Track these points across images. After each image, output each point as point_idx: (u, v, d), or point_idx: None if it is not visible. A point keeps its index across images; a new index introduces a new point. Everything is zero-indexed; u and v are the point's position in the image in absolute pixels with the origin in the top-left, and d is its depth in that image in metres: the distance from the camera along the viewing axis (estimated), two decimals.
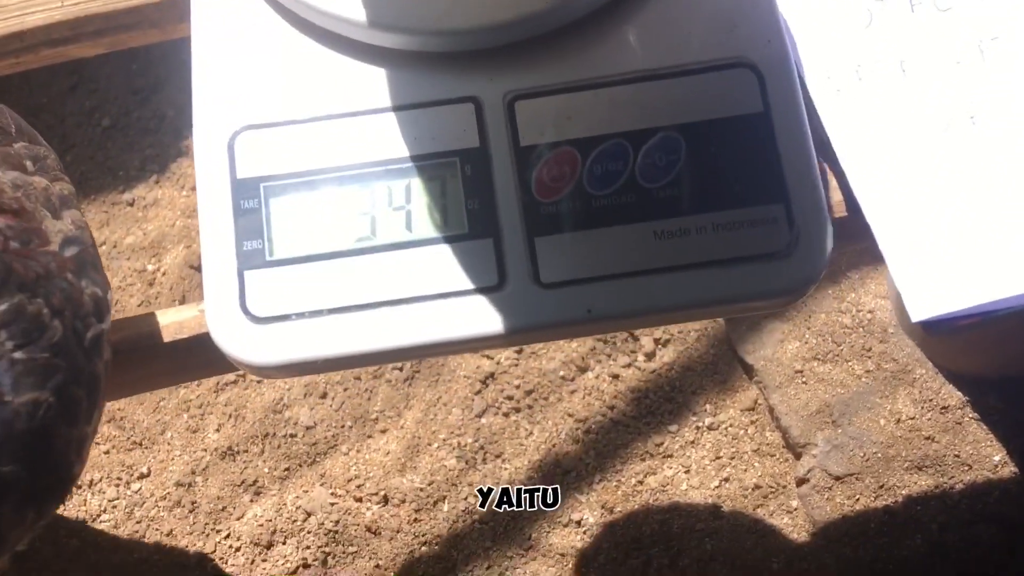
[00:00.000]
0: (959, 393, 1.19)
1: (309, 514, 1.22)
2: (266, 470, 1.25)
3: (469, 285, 0.54)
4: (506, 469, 1.23)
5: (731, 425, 1.24)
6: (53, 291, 0.46)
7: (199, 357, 0.59)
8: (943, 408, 1.19)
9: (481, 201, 0.55)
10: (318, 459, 1.25)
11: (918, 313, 0.54)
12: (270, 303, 0.54)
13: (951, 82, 0.59)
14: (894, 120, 0.59)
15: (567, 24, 0.56)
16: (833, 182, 0.60)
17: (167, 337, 0.58)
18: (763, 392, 1.23)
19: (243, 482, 1.24)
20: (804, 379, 1.21)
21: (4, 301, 0.43)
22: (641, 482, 1.22)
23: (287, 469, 1.25)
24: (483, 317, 0.54)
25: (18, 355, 0.43)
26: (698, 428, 1.24)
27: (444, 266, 0.54)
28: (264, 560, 1.21)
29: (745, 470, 1.21)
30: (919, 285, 0.55)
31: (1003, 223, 0.57)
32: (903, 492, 1.16)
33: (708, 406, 1.25)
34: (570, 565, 1.18)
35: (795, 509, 1.19)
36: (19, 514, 0.45)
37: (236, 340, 0.53)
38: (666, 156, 0.55)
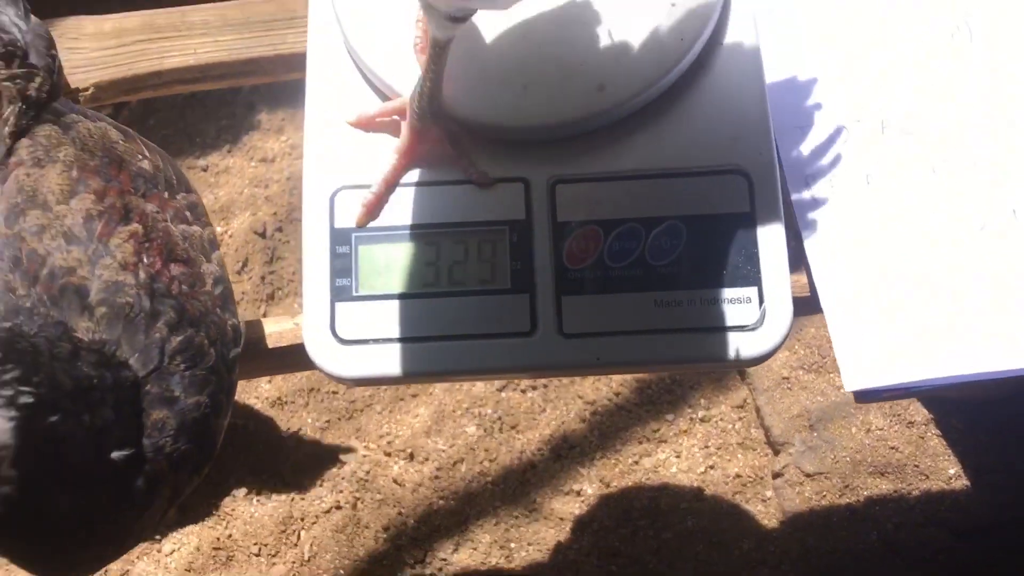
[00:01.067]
0: (925, 411, 1.34)
1: (343, 463, 1.40)
2: (309, 420, 1.42)
3: (507, 329, 0.70)
4: (519, 439, 1.40)
5: (721, 419, 1.40)
6: (210, 325, 0.62)
7: (291, 359, 0.76)
8: (909, 423, 1.34)
9: (523, 263, 0.70)
10: (355, 415, 1.42)
11: (851, 383, 0.69)
12: (354, 329, 0.70)
13: (907, 193, 0.74)
14: (856, 222, 0.73)
15: (600, 127, 0.71)
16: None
17: (270, 344, 0.75)
18: (752, 393, 1.39)
19: (288, 429, 1.42)
20: (790, 385, 1.37)
21: (180, 334, 0.60)
22: (637, 462, 1.38)
23: (327, 421, 1.42)
24: (515, 356, 0.70)
25: (187, 373, 0.60)
26: (692, 419, 1.40)
27: (489, 312, 0.70)
28: (302, 499, 1.39)
29: (729, 460, 1.38)
30: (855, 360, 0.70)
31: (933, 313, 0.72)
32: (865, 493, 1.32)
33: (703, 400, 1.41)
34: (568, 529, 1.35)
35: (769, 499, 1.35)
36: (190, 476, 0.63)
37: (326, 356, 0.70)
38: (671, 240, 0.70)
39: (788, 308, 0.69)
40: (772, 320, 0.69)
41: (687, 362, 0.70)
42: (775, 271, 0.70)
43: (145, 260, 0.62)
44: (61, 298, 0.60)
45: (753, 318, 0.69)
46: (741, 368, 1.26)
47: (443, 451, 1.40)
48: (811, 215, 0.74)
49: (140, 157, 0.69)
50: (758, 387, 1.38)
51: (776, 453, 1.36)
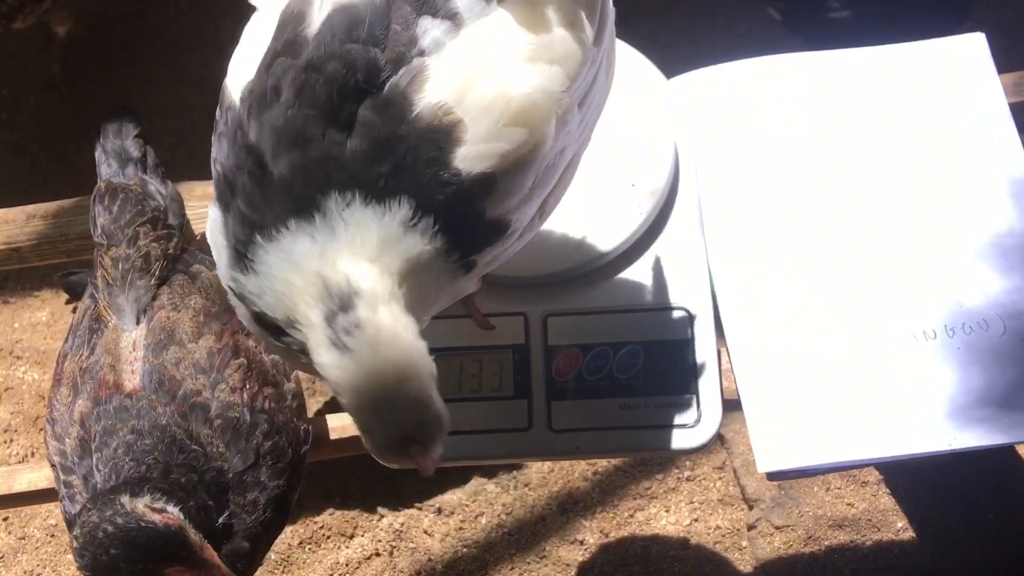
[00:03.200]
0: (876, 472, 1.57)
1: (382, 516, 1.64)
2: (352, 478, 1.67)
3: (511, 426, 0.94)
4: (531, 496, 1.63)
5: (704, 478, 1.63)
6: (289, 431, 0.88)
7: (347, 446, 1.01)
8: (863, 482, 1.57)
9: (522, 376, 0.95)
10: (391, 476, 1.66)
11: (763, 465, 0.93)
12: None
13: (812, 303, 0.97)
14: (769, 331, 0.97)
15: (579, 276, 0.96)
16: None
17: (332, 436, 1.00)
18: (730, 456, 1.62)
19: (332, 487, 1.66)
20: None
21: (270, 440, 0.86)
22: (631, 515, 1.61)
23: (366, 481, 1.66)
24: (517, 446, 0.94)
25: (272, 466, 0.86)
26: (679, 478, 1.64)
27: (498, 413, 0.95)
28: (347, 547, 1.63)
29: (711, 514, 1.61)
30: (768, 445, 0.93)
31: (838, 403, 0.94)
32: (826, 543, 1.55)
33: (688, 462, 1.64)
34: (572, 573, 1.59)
35: (744, 547, 1.58)
36: (275, 534, 0.88)
37: None
38: (632, 359, 0.95)
39: (718, 410, 0.93)
40: (706, 419, 0.93)
41: (643, 451, 0.94)
42: (709, 382, 0.94)
43: (248, 385, 0.88)
44: (190, 413, 0.85)
45: (693, 418, 0.93)
46: (683, 456, 1.55)
47: (467, 506, 1.64)
48: (735, 334, 0.98)
49: None
50: (735, 451, 1.61)
51: (750, 508, 1.59)
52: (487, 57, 0.66)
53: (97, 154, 1.04)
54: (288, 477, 0.88)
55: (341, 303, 0.62)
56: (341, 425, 1.02)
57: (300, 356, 0.67)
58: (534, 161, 0.67)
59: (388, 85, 0.65)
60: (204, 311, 0.91)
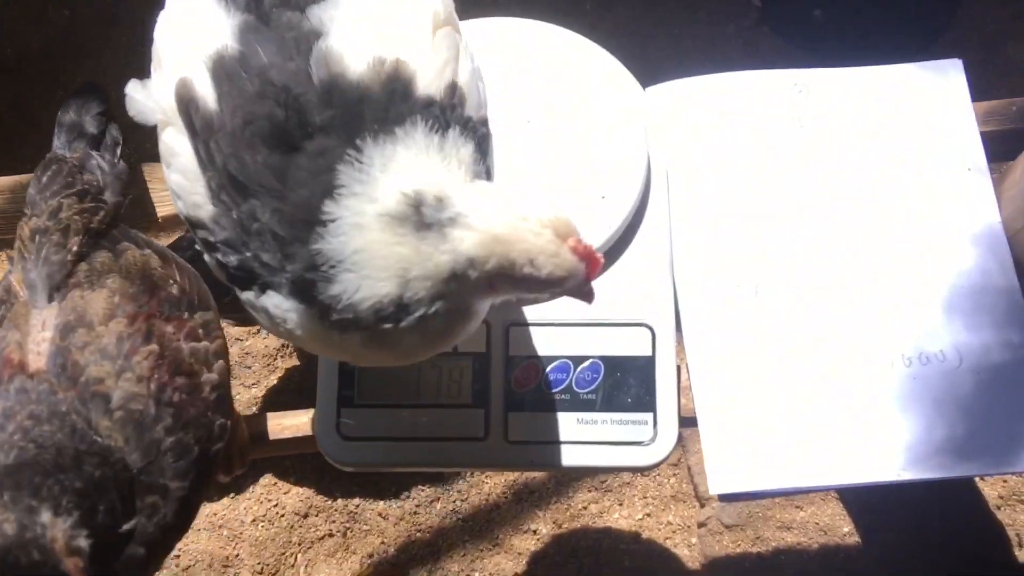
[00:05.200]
0: None
1: (337, 497, 1.65)
2: (310, 457, 1.66)
3: (467, 435, 0.94)
4: (487, 483, 1.64)
5: (659, 475, 1.65)
6: (199, 426, 0.84)
7: (290, 445, 1.01)
8: (801, 494, 1.59)
9: (481, 385, 0.95)
10: None
11: (716, 488, 0.94)
12: (353, 428, 0.94)
13: (772, 334, 0.98)
14: (729, 355, 0.98)
15: None
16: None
17: (272, 435, 1.00)
18: (685, 455, 1.64)
19: (290, 467, 1.66)
20: None
21: (172, 436, 0.82)
22: (585, 508, 1.63)
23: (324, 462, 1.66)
24: (471, 456, 0.94)
25: (173, 464, 0.82)
26: (634, 474, 1.65)
27: (454, 421, 0.94)
28: (300, 526, 1.63)
29: (663, 510, 1.62)
30: (721, 467, 0.94)
31: (792, 430, 0.96)
32: (773, 544, 1.57)
33: None
34: (524, 561, 1.60)
35: (694, 544, 1.60)
36: (175, 538, 0.84)
37: (332, 449, 0.94)
38: (591, 374, 0.95)
39: (674, 430, 0.94)
40: (662, 438, 0.94)
41: (597, 467, 0.95)
42: (667, 401, 0.94)
43: (156, 375, 0.84)
44: (90, 401, 0.81)
45: (648, 436, 0.94)
46: (638, 473, 1.57)
47: (423, 490, 1.64)
48: (696, 357, 0.98)
49: (171, 282, 0.91)
50: (689, 449, 1.63)
51: (702, 506, 1.61)
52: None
53: (56, 128, 1.01)
54: (192, 478, 0.84)
55: (429, 207, 0.65)
56: (281, 424, 1.01)
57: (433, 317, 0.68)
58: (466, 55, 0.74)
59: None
60: (120, 292, 0.87)
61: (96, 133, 1.03)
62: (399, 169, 0.67)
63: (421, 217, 0.65)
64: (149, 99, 0.73)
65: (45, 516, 0.71)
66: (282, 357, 1.73)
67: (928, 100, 1.06)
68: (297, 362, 1.73)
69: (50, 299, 0.86)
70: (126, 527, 0.79)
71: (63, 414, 0.81)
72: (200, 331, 0.92)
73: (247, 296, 0.70)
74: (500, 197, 0.67)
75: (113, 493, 0.77)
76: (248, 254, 0.67)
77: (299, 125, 0.66)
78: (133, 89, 0.74)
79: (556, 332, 0.96)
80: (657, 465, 0.94)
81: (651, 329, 0.96)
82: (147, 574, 0.83)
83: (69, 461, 0.77)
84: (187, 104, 0.68)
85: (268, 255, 0.67)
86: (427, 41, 0.71)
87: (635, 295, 0.96)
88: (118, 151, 1.03)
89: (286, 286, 0.67)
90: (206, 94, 0.68)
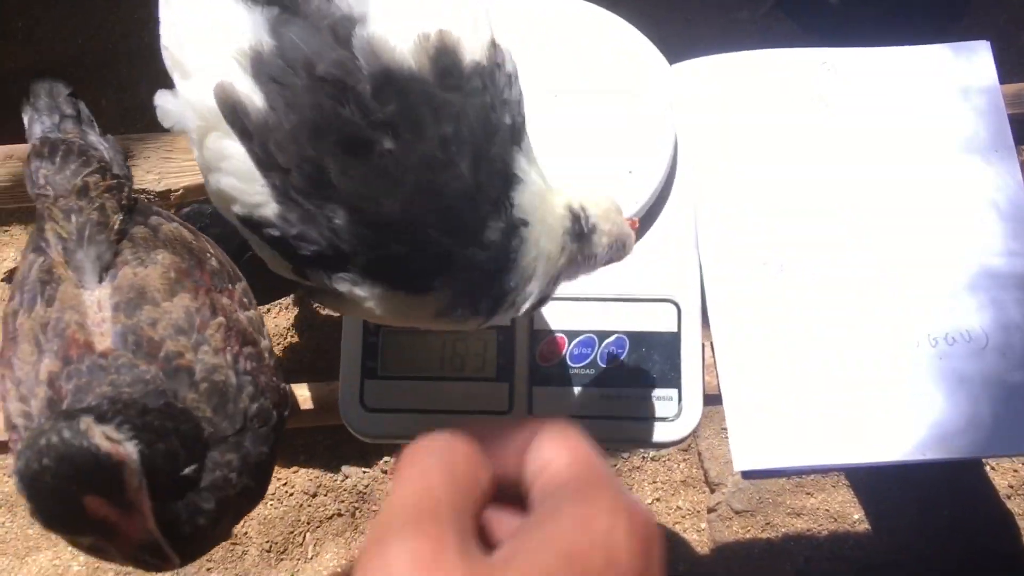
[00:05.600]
0: None
1: (346, 476, 1.64)
2: (320, 438, 1.66)
3: (490, 409, 0.94)
4: None
5: (668, 459, 1.64)
6: (272, 392, 0.86)
7: (320, 415, 1.00)
8: (824, 473, 1.59)
9: (506, 359, 0.94)
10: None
11: (740, 464, 0.93)
12: (377, 400, 0.94)
13: (799, 309, 0.98)
14: (755, 328, 0.97)
15: None
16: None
17: (302, 405, 0.99)
18: (696, 439, 1.64)
19: (301, 445, 1.66)
20: (727, 435, 1.61)
21: (256, 402, 0.84)
22: None
23: (334, 440, 1.66)
24: None
25: (260, 430, 0.84)
26: (644, 458, 1.65)
27: (478, 395, 0.94)
28: (309, 505, 1.63)
29: (672, 494, 1.62)
30: (745, 443, 0.94)
31: (819, 406, 0.96)
32: (783, 530, 1.57)
33: None
34: None
35: (703, 529, 1.60)
36: (250, 503, 0.86)
37: (355, 420, 0.94)
38: (617, 349, 0.94)
39: (699, 406, 0.93)
40: (686, 414, 0.93)
41: (622, 442, 0.94)
42: (692, 377, 0.94)
43: (230, 346, 0.85)
44: (175, 375, 0.83)
45: (673, 412, 0.93)
46: (661, 448, 1.54)
47: None
48: (721, 324, 0.98)
49: (209, 255, 0.92)
50: (701, 435, 1.63)
51: (712, 491, 1.61)
52: None
53: (27, 116, 0.99)
54: (271, 444, 0.86)
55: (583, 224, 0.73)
56: (307, 395, 1.01)
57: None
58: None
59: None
60: (174, 267, 0.88)
61: (74, 113, 1.02)
62: (539, 178, 0.71)
63: (580, 228, 0.72)
64: (185, 107, 0.70)
65: (86, 422, 0.71)
66: (292, 336, 1.72)
67: (956, 81, 1.06)
68: (307, 340, 1.72)
69: (100, 279, 0.86)
70: (188, 470, 0.79)
71: (147, 381, 0.81)
72: (245, 299, 0.93)
73: (317, 278, 0.69)
74: (607, 198, 0.75)
75: (175, 441, 0.76)
76: (325, 244, 0.65)
77: (365, 121, 0.64)
78: (163, 100, 0.71)
79: (581, 307, 0.95)
80: (681, 441, 0.94)
81: (677, 305, 0.95)
82: (218, 530, 0.83)
83: (133, 407, 0.77)
84: (232, 106, 0.66)
85: (348, 245, 0.65)
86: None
87: (661, 271, 0.96)
88: (95, 125, 1.03)
89: (366, 271, 0.67)
90: (251, 94, 0.66)
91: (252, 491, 0.87)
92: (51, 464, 0.68)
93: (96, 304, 0.85)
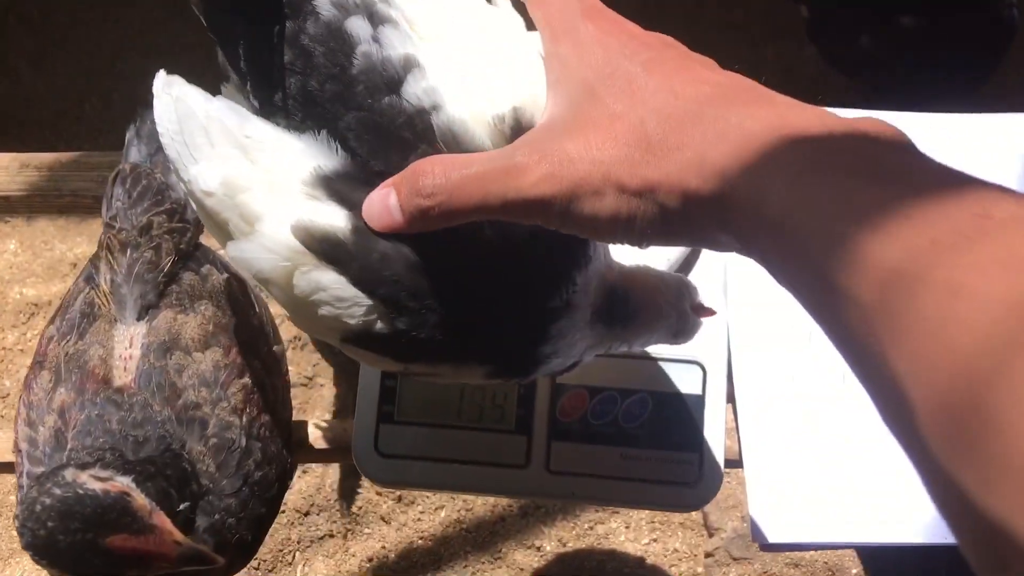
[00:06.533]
0: None
1: (340, 496, 1.62)
2: None
3: (507, 462, 0.92)
4: (493, 498, 1.62)
5: None
6: (279, 463, 0.84)
7: (328, 456, 0.98)
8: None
9: (526, 411, 0.92)
10: None
11: (761, 538, 0.92)
12: (391, 446, 0.92)
13: (824, 387, 0.96)
14: (779, 403, 0.96)
15: None
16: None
17: (314, 445, 0.97)
18: None
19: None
20: (729, 480, 1.59)
21: (261, 471, 0.82)
22: (591, 528, 1.61)
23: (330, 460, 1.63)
24: (510, 484, 0.91)
25: (258, 495, 0.82)
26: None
27: (495, 446, 0.92)
28: (300, 524, 1.60)
29: (670, 536, 1.61)
30: (767, 519, 0.92)
31: (842, 484, 0.94)
32: None
33: None
34: None
35: (699, 574, 1.58)
36: (244, 556, 0.84)
37: (369, 465, 0.91)
38: (640, 408, 0.92)
39: (720, 472, 0.91)
40: (707, 480, 0.91)
41: (640, 505, 0.92)
42: (714, 441, 0.92)
43: (248, 409, 0.84)
44: (188, 424, 0.81)
45: (693, 477, 0.91)
46: (680, 512, 1.52)
47: (428, 497, 1.62)
48: (746, 390, 0.96)
49: (252, 313, 0.90)
50: None
51: (710, 535, 1.59)
52: None
53: (129, 135, 0.98)
54: (269, 507, 0.85)
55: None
56: (318, 434, 0.99)
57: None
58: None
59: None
60: (214, 320, 0.86)
61: None
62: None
63: (617, 313, 0.70)
64: (267, 253, 0.66)
65: (71, 473, 0.69)
66: (293, 350, 1.70)
67: (1001, 153, 1.04)
68: (307, 354, 1.70)
69: (139, 317, 0.84)
70: (182, 507, 0.78)
71: (157, 423, 0.80)
72: (277, 367, 0.92)
73: (421, 367, 0.70)
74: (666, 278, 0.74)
75: (162, 482, 0.75)
76: (430, 337, 0.65)
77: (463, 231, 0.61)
78: (238, 251, 0.66)
79: (605, 363, 0.93)
80: (701, 506, 0.92)
81: (702, 367, 0.93)
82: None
83: (112, 453, 0.76)
84: (319, 242, 0.63)
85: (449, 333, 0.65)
86: (528, 65, 0.67)
87: None
88: None
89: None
90: (332, 220, 0.63)
91: (247, 546, 0.84)
92: (57, 524, 0.66)
93: (128, 340, 0.84)
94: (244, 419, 0.83)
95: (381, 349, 0.67)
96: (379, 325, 0.65)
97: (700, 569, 1.58)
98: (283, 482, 0.86)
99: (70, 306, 0.87)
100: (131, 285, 0.85)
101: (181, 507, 0.78)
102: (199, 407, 0.81)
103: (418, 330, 0.65)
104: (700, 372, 0.93)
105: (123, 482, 0.72)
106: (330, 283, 0.64)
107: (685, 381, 0.93)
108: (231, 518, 0.82)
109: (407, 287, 0.64)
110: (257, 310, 0.92)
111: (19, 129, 1.84)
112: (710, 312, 0.75)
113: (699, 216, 0.49)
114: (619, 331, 0.71)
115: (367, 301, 0.65)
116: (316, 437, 0.99)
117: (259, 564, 1.57)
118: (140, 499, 0.71)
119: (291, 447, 0.89)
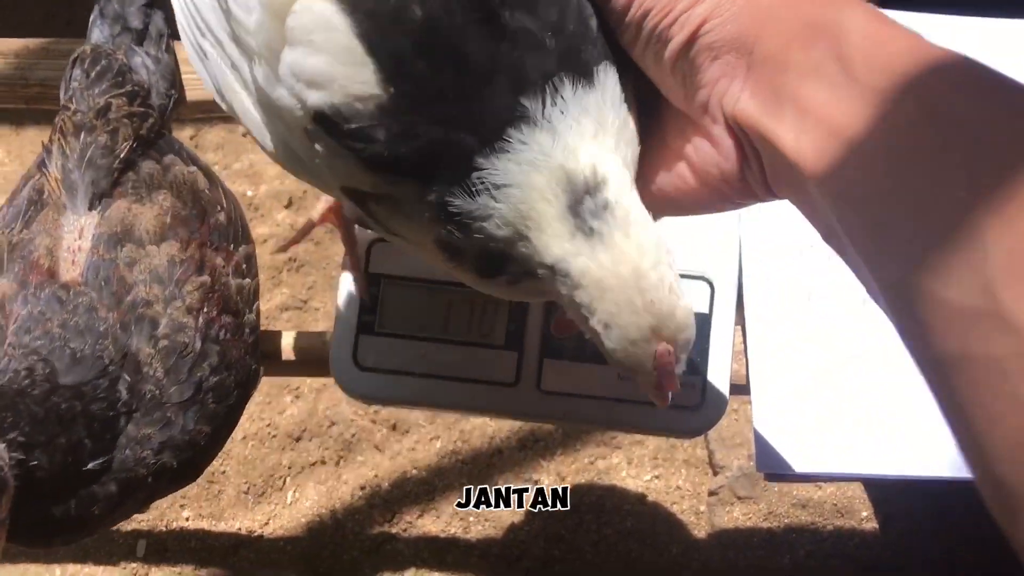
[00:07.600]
0: None
1: (333, 423, 1.56)
2: (308, 380, 1.58)
3: (495, 379, 0.85)
4: (491, 427, 1.56)
5: None
6: (240, 369, 0.77)
7: (303, 367, 0.92)
8: (851, 480, 1.51)
9: (517, 325, 0.85)
10: None
11: (763, 466, 0.85)
12: (372, 359, 0.85)
13: (839, 312, 0.89)
14: (791, 329, 0.89)
15: None
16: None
17: (284, 356, 0.91)
18: None
19: (288, 386, 1.58)
20: (736, 416, 1.53)
21: (217, 376, 0.75)
22: (592, 463, 1.55)
23: (324, 384, 1.58)
24: (498, 402, 0.85)
25: (211, 407, 0.75)
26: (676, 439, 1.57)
27: (483, 362, 0.85)
28: (292, 449, 1.55)
29: (673, 473, 1.55)
30: (773, 447, 0.86)
31: (849, 414, 0.87)
32: (786, 521, 1.50)
33: None
34: (521, 512, 1.52)
35: (701, 512, 1.52)
36: (168, 486, 0.77)
37: (347, 379, 0.85)
38: None
39: (725, 397, 0.84)
40: (710, 404, 0.84)
41: (636, 429, 0.86)
42: (719, 364, 0.85)
43: (206, 309, 0.77)
44: (135, 324, 0.74)
45: (695, 400, 0.85)
46: (680, 438, 1.44)
47: (423, 427, 1.56)
48: (755, 319, 0.89)
49: (219, 208, 0.83)
50: None
51: (715, 474, 1.53)
52: None
53: (93, 16, 0.90)
54: (218, 425, 0.77)
55: (587, 189, 0.55)
56: (291, 345, 0.92)
57: (521, 282, 0.61)
58: None
59: None
60: (172, 212, 0.79)
61: (140, 27, 0.92)
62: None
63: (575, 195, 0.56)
64: None
65: None
66: (288, 271, 1.63)
67: None
68: (303, 276, 1.63)
69: (91, 206, 0.78)
70: (92, 464, 0.71)
71: (100, 333, 0.73)
72: (244, 266, 0.85)
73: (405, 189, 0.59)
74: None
75: (81, 429, 0.68)
76: (429, 142, 0.55)
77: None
78: None
79: None
80: (703, 431, 0.85)
81: (710, 284, 0.86)
82: (115, 513, 0.74)
83: (39, 391, 0.68)
84: None
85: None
86: None
87: (697, 244, 0.87)
88: (163, 43, 0.93)
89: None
90: None
91: (173, 471, 0.77)
92: None
93: (77, 231, 0.77)
94: (200, 320, 0.76)
95: (354, 138, 0.56)
96: (374, 91, 0.55)
97: (703, 508, 1.52)
98: (245, 389, 0.79)
99: (18, 193, 0.80)
100: (83, 171, 0.78)
101: (91, 464, 0.70)
102: (150, 305, 0.74)
103: (405, 112, 0.55)
104: (708, 288, 0.86)
105: (4, 461, 0.65)
106: (339, 26, 0.55)
107: (690, 298, 0.86)
108: (146, 451, 0.73)
109: (416, 46, 0.54)
110: (225, 205, 0.85)
111: None
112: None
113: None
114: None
115: (366, 56, 0.55)
116: (290, 348, 0.93)
117: (248, 488, 1.53)
118: None
119: (257, 354, 0.82)
